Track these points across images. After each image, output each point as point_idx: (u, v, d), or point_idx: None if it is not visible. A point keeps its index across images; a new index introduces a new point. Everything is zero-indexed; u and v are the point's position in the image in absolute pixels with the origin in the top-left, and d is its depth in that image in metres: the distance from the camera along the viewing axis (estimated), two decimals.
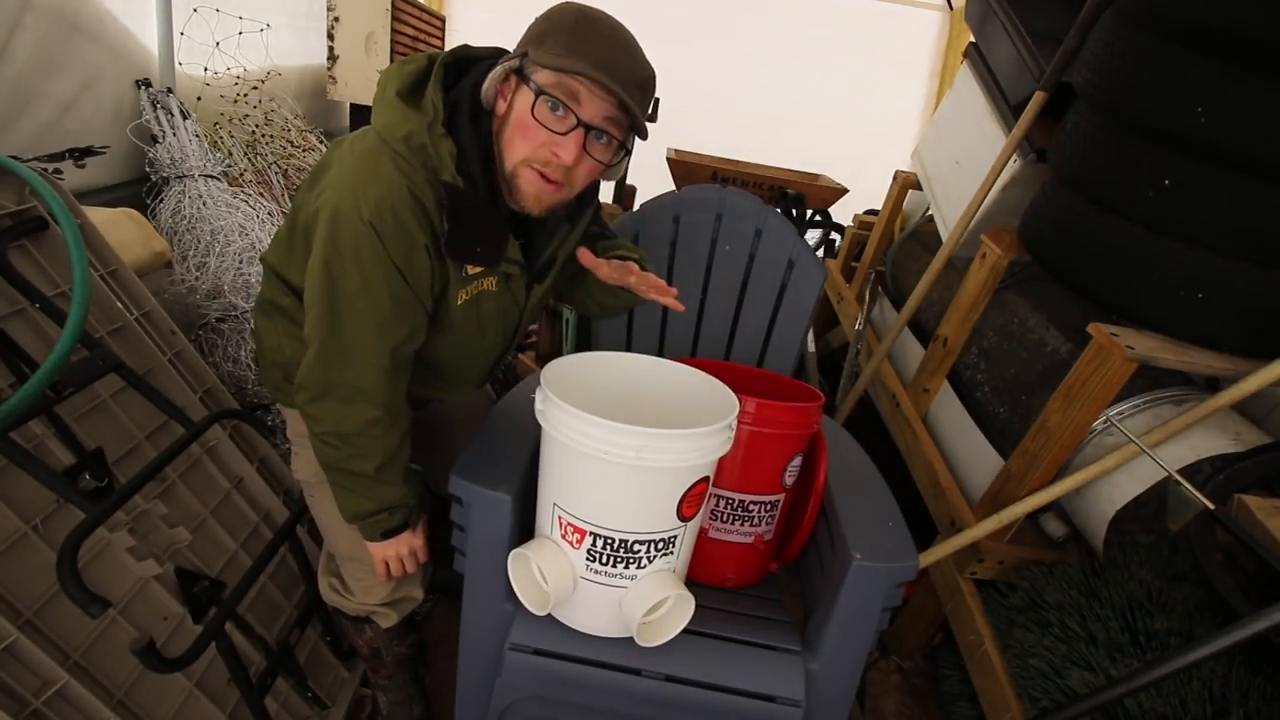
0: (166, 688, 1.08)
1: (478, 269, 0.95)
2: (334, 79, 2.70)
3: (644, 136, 0.91)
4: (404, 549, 1.07)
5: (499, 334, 1.05)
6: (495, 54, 0.93)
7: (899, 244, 2.36)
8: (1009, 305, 1.71)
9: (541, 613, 0.93)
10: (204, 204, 1.85)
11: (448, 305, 0.96)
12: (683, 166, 2.92)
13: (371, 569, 1.13)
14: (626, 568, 0.90)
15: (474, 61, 0.93)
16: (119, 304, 1.27)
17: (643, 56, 0.88)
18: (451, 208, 0.86)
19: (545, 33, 0.85)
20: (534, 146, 0.86)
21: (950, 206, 1.94)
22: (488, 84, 0.88)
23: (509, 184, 0.91)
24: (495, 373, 1.24)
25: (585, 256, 1.02)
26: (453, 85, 0.90)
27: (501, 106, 0.89)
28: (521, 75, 0.86)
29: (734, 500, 1.09)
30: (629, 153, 0.95)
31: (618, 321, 1.48)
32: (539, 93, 0.84)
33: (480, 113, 0.90)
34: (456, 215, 0.87)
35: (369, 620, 1.20)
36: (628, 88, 0.84)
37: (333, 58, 2.67)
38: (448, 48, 0.97)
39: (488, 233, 0.91)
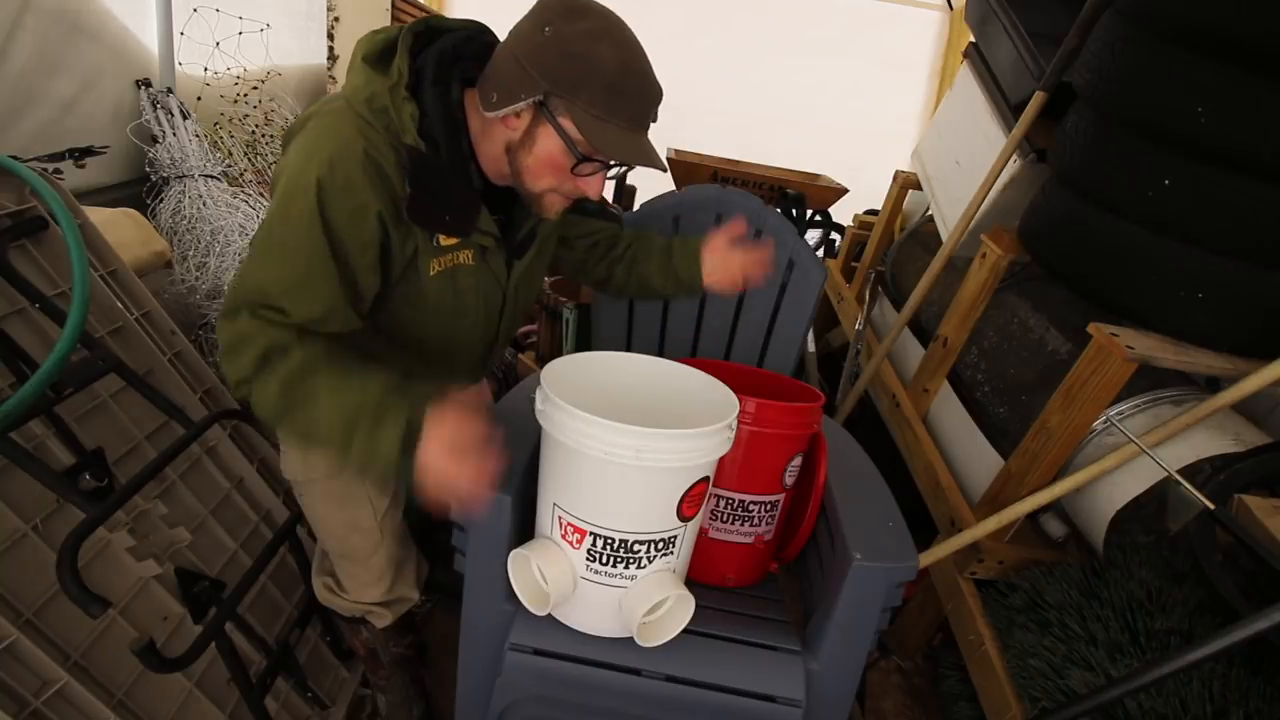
0: (166, 688, 1.08)
1: (451, 240, 0.94)
2: (334, 79, 2.70)
3: None
4: (442, 448, 0.76)
5: (481, 313, 1.05)
6: (467, 26, 0.93)
7: (899, 244, 2.36)
8: (1009, 305, 1.71)
9: (541, 613, 0.93)
10: (204, 204, 1.85)
11: (419, 275, 0.95)
12: (683, 166, 2.92)
13: (365, 565, 1.13)
14: (626, 568, 0.90)
15: (444, 32, 0.93)
16: (119, 304, 1.27)
17: (656, 78, 0.89)
18: (414, 171, 0.86)
19: (580, 80, 0.82)
20: (561, 180, 0.90)
21: (950, 206, 1.94)
22: (505, 108, 0.85)
23: (530, 200, 0.94)
24: (489, 366, 1.23)
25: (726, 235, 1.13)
26: (421, 53, 0.90)
27: (514, 123, 0.88)
28: (547, 113, 0.85)
29: (734, 500, 1.09)
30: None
31: (618, 321, 1.48)
32: (573, 148, 0.86)
33: (446, 80, 0.89)
34: (419, 179, 0.86)
35: (364, 621, 1.20)
36: (649, 124, 0.87)
37: (333, 58, 2.67)
38: None
39: (456, 200, 0.91)
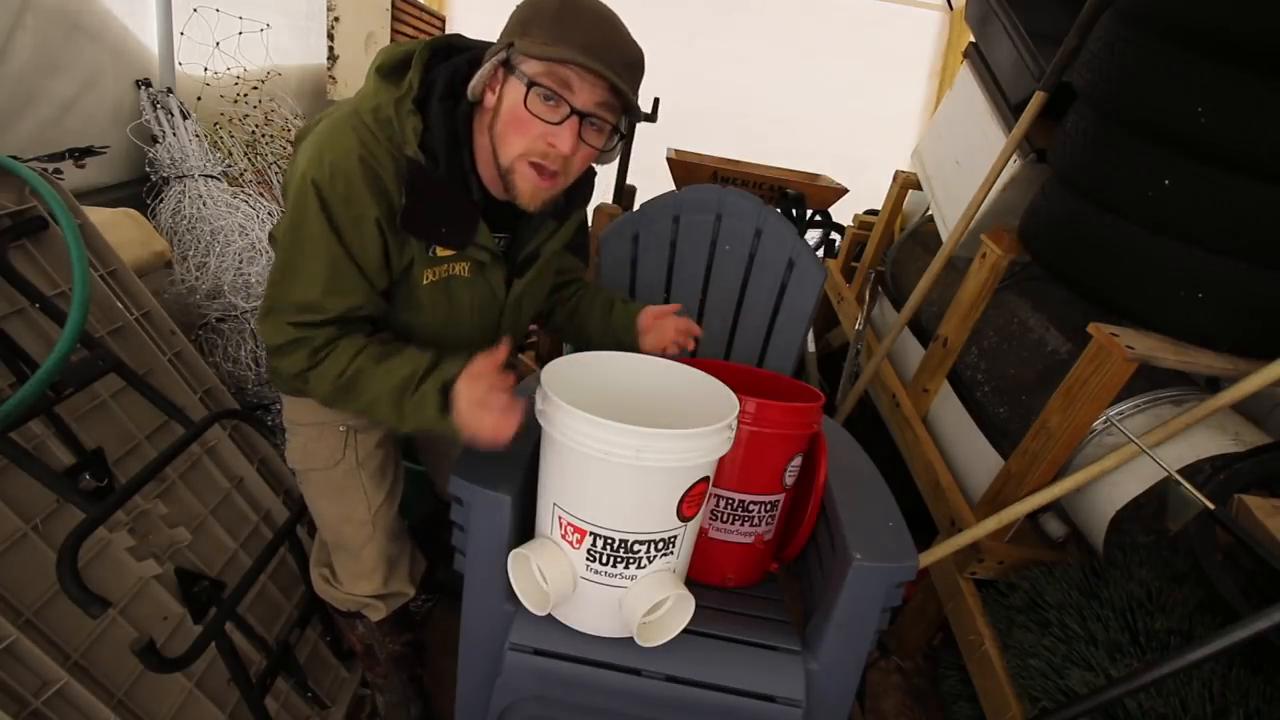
0: (166, 688, 1.08)
1: (447, 252, 0.95)
2: (334, 79, 2.70)
3: (637, 119, 0.92)
4: (476, 398, 0.84)
5: (475, 326, 1.05)
6: (484, 46, 0.94)
7: (899, 244, 2.36)
8: (1009, 305, 1.71)
9: (541, 613, 0.93)
10: (204, 204, 1.85)
11: (413, 283, 0.95)
12: (683, 166, 2.92)
13: (358, 558, 1.14)
14: (626, 568, 0.90)
15: (461, 50, 0.94)
16: (119, 304, 1.27)
17: (630, 37, 0.88)
18: (410, 182, 0.87)
19: (529, 20, 0.84)
20: (530, 140, 0.87)
21: (950, 206, 1.94)
22: (477, 79, 0.87)
23: (505, 179, 0.91)
24: None
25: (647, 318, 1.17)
26: (435, 68, 0.91)
27: (491, 99, 0.89)
28: (509, 67, 0.86)
29: (734, 500, 1.09)
30: (623, 136, 0.95)
31: None
32: (530, 84, 0.84)
33: (456, 95, 0.90)
34: (415, 190, 0.87)
35: (360, 615, 1.21)
36: (618, 70, 0.84)
37: (333, 58, 2.67)
38: None
39: (453, 214, 0.91)
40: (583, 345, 1.27)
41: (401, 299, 0.97)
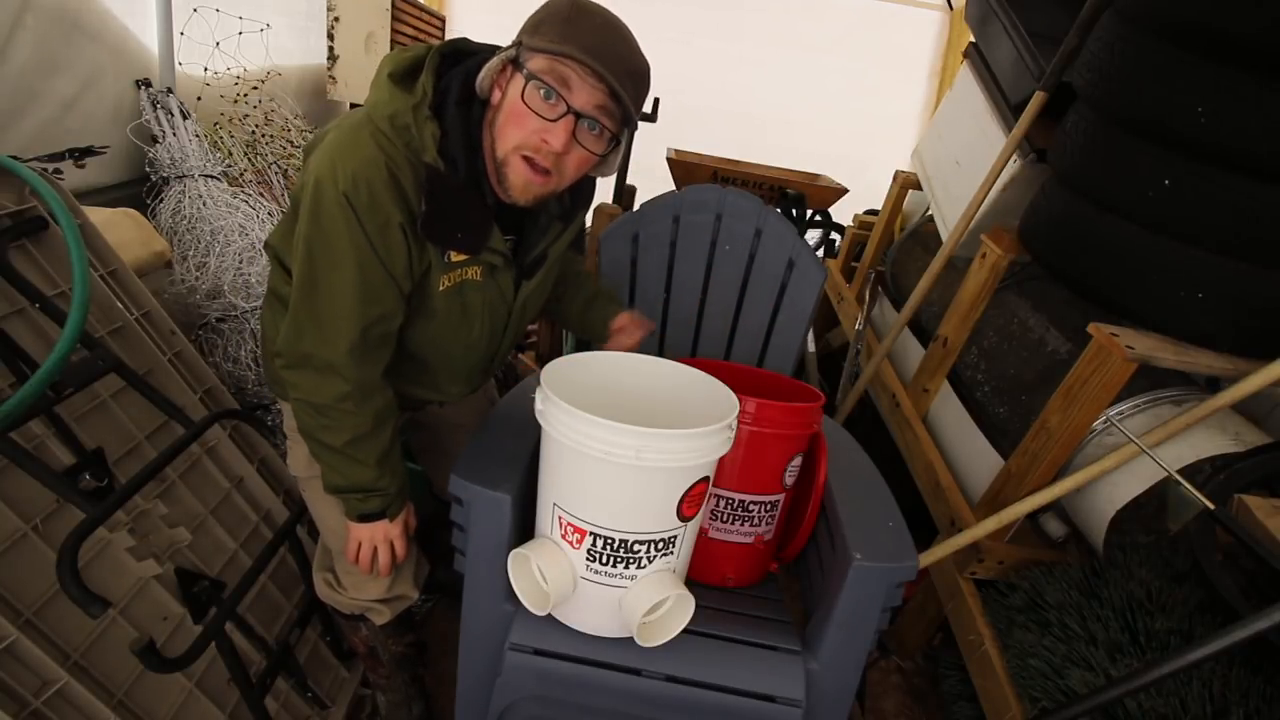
0: (166, 688, 1.08)
1: (461, 256, 0.95)
2: (334, 79, 2.70)
3: (634, 127, 0.92)
4: (379, 535, 1.06)
5: (485, 328, 1.05)
6: (492, 50, 0.94)
7: (899, 244, 2.36)
8: (1009, 305, 1.71)
9: (541, 613, 0.93)
10: (204, 204, 1.85)
11: (429, 290, 0.96)
12: (683, 166, 2.92)
13: None
14: (626, 568, 0.90)
15: (470, 54, 0.94)
16: (119, 304, 1.27)
17: (637, 48, 0.88)
18: (430, 189, 0.87)
19: (540, 21, 0.86)
20: (525, 134, 0.87)
21: (950, 206, 1.94)
22: (484, 74, 0.88)
23: (499, 172, 0.91)
24: (492, 374, 1.24)
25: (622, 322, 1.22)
26: (447, 73, 0.92)
27: (496, 95, 0.90)
28: (516, 63, 0.87)
29: (734, 500, 1.09)
30: (620, 144, 0.95)
31: None
32: (530, 78, 0.84)
33: (469, 99, 0.90)
34: (435, 196, 0.88)
35: (363, 618, 1.21)
36: (619, 77, 0.84)
37: (333, 58, 2.67)
38: None
39: (469, 219, 0.92)
40: (559, 322, 1.33)
41: (415, 308, 0.98)
